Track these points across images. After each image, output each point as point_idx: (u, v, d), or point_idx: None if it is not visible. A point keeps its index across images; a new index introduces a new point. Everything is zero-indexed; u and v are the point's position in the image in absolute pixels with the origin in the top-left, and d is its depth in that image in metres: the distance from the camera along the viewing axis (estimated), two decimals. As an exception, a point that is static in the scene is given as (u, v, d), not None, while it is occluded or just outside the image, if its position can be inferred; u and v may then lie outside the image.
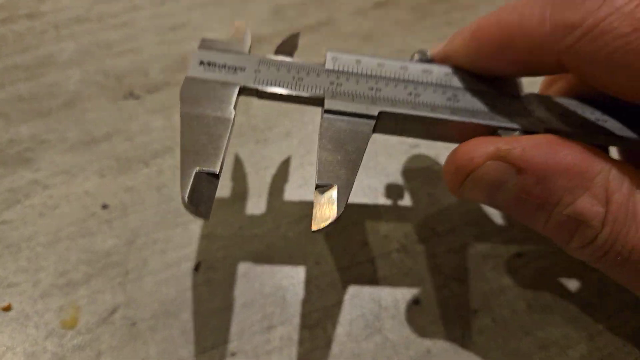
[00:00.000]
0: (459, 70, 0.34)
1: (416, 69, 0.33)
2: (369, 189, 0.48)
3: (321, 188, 0.28)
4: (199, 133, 0.29)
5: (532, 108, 0.33)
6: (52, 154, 0.48)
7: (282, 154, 0.50)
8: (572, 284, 0.44)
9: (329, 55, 0.34)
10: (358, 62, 0.33)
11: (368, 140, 0.31)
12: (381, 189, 0.48)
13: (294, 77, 0.32)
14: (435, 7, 0.61)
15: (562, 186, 0.25)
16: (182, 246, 0.44)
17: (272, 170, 0.49)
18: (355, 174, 0.29)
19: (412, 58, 0.36)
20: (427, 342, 0.41)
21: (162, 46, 0.56)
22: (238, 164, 0.49)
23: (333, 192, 0.28)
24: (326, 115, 0.30)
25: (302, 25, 0.59)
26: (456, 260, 0.45)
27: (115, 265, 0.43)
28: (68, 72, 0.54)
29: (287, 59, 0.34)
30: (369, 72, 0.33)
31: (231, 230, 0.45)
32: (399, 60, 0.34)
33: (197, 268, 0.43)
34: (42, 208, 0.45)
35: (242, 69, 0.32)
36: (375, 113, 0.30)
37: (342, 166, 0.29)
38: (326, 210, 0.27)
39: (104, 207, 0.46)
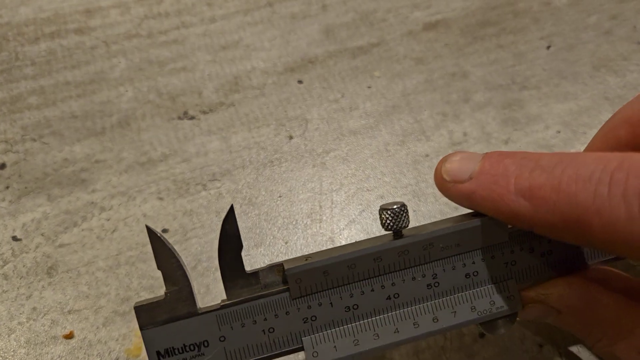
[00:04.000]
0: (436, 233, 0.28)
1: (392, 255, 0.27)
2: (430, 219, 0.48)
3: None
4: None
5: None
6: (108, 175, 0.48)
7: (339, 179, 0.49)
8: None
9: (290, 271, 0.27)
10: (325, 273, 0.27)
11: None
12: (440, 219, 0.48)
13: (264, 331, 0.27)
14: (486, 29, 0.61)
15: (601, 331, 0.27)
16: (244, 273, 0.43)
17: (328, 196, 0.48)
18: None
19: (382, 222, 0.28)
20: (497, 378, 0.40)
21: (215, 65, 0.56)
22: (296, 188, 0.48)
23: None
24: None
25: (353, 46, 0.58)
26: (520, 292, 0.45)
27: (177, 292, 0.42)
28: (120, 90, 0.53)
29: (241, 291, 0.27)
30: (340, 281, 0.27)
31: (293, 257, 0.44)
32: (369, 247, 0.27)
33: (260, 296, 0.42)
34: (100, 231, 0.45)
35: (205, 344, 0.26)
36: (363, 350, 0.27)
37: None
38: None
39: (164, 231, 0.45)
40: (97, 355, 0.39)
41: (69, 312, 0.41)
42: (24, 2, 0.60)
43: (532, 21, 0.63)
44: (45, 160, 0.48)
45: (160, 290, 0.42)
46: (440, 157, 0.51)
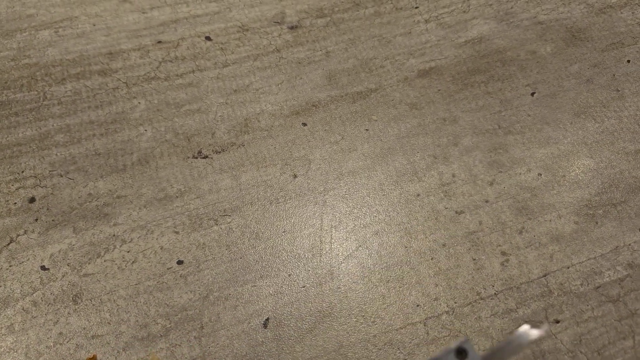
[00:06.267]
0: None
1: None
2: (420, 254, 0.52)
3: None
4: None
5: None
6: (128, 209, 0.52)
7: (338, 216, 0.54)
8: (608, 351, 0.48)
9: None
10: None
11: None
12: (430, 254, 0.52)
13: None
14: (475, 77, 0.66)
15: None
16: (252, 302, 0.47)
17: (328, 232, 0.53)
18: None
19: None
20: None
21: (227, 107, 0.61)
22: (299, 224, 0.53)
23: None
24: None
25: (353, 91, 0.64)
26: (500, 324, 0.49)
27: (191, 319, 0.46)
28: (140, 129, 0.58)
29: None
30: None
31: (295, 288, 0.49)
32: None
33: (265, 324, 0.47)
34: (121, 262, 0.49)
35: None
36: None
37: None
38: None
39: (179, 262, 0.49)
40: (118, 377, 0.43)
41: (93, 337, 0.45)
42: (51, 43, 0.65)
43: (519, 69, 0.68)
44: (71, 195, 0.53)
45: (175, 318, 0.46)
46: (431, 197, 0.56)
